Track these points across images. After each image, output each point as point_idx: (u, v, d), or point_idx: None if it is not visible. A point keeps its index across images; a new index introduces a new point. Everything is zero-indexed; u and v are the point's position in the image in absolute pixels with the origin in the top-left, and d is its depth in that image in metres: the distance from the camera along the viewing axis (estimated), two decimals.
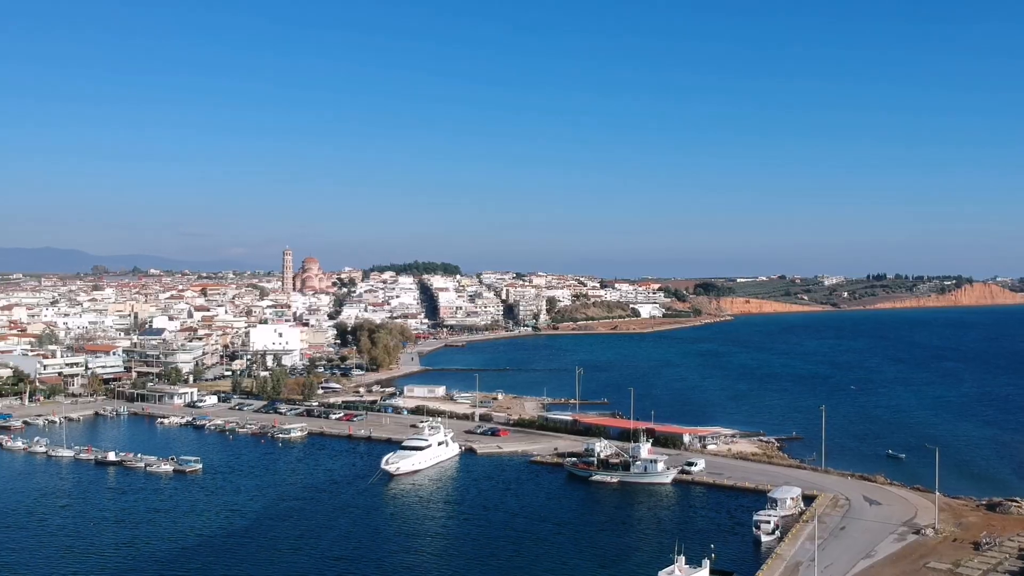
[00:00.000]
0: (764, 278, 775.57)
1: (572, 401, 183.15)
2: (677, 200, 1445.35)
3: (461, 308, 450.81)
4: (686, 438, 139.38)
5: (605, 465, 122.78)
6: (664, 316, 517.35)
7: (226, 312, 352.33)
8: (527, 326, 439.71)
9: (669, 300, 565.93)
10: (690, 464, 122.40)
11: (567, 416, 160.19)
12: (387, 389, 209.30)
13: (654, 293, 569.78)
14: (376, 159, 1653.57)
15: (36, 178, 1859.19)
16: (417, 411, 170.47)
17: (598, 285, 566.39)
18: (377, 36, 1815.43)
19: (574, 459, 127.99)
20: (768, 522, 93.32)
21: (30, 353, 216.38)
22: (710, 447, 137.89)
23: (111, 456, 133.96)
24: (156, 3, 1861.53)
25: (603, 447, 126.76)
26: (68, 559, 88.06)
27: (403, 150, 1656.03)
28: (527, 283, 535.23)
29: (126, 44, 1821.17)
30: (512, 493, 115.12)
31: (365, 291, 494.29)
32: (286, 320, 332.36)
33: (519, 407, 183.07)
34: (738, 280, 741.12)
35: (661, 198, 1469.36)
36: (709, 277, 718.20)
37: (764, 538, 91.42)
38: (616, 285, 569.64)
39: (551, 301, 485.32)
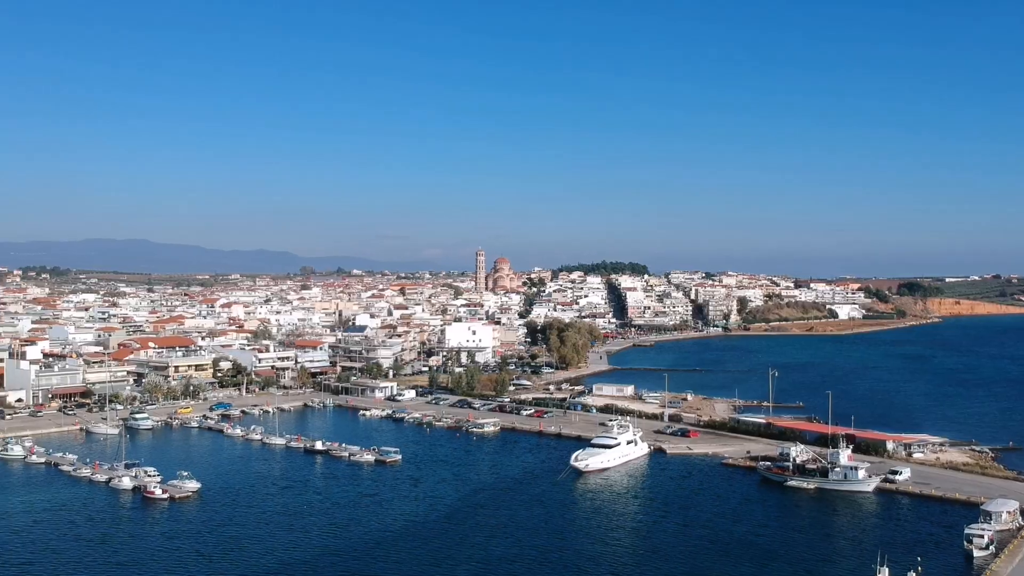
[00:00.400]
0: (976, 277, 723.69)
1: (765, 404, 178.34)
2: (880, 195, 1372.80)
3: (649, 308, 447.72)
4: (890, 445, 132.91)
5: (801, 470, 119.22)
6: (864, 318, 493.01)
7: (423, 310, 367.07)
8: (717, 326, 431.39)
9: (870, 301, 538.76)
10: (894, 472, 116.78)
11: (760, 419, 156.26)
12: (576, 387, 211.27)
13: (853, 293, 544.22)
14: (558, 161, 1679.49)
15: (250, 186, 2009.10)
16: (606, 409, 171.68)
17: (792, 285, 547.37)
18: (555, 42, 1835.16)
19: (768, 463, 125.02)
20: (981, 536, 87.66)
21: (247, 347, 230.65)
22: (916, 455, 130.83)
23: (318, 445, 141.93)
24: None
25: (799, 452, 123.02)
26: (290, 535, 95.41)
27: (583, 151, 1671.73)
28: (716, 283, 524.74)
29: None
30: (705, 494, 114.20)
31: (554, 290, 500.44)
32: (479, 318, 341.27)
33: (709, 408, 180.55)
34: (947, 280, 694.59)
35: (860, 193, 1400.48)
36: (914, 277, 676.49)
37: (976, 553, 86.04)
38: (811, 285, 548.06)
39: (742, 301, 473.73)
